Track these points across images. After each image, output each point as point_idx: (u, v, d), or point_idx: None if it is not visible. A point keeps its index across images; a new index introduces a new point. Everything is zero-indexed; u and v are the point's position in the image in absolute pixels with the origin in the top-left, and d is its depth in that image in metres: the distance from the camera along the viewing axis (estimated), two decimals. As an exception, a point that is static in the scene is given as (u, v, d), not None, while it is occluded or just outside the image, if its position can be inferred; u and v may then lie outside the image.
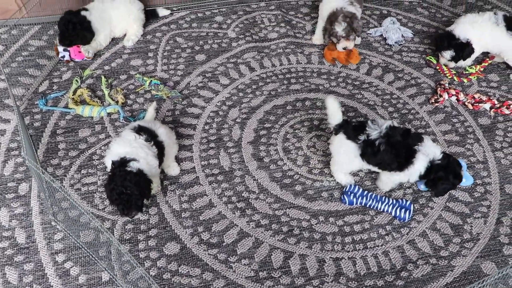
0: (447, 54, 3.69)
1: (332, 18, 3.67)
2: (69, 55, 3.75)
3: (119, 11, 3.86)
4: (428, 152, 2.78)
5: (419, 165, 2.78)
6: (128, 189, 2.62)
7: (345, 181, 3.06)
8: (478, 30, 3.61)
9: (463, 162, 3.13)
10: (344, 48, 3.73)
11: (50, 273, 2.68)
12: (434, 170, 2.78)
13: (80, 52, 3.75)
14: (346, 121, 2.92)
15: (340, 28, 3.64)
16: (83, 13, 3.70)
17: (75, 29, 3.65)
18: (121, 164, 2.68)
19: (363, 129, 2.82)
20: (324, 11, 3.80)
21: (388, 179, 2.96)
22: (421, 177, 2.83)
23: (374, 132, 2.79)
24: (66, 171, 3.12)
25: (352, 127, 2.86)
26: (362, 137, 2.80)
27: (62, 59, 3.76)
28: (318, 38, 4.01)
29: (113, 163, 2.71)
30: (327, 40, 3.80)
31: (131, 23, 3.92)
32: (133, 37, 3.94)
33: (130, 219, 2.87)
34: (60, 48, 3.74)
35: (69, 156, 3.19)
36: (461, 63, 3.74)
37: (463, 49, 3.64)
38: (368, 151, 2.81)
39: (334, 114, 2.90)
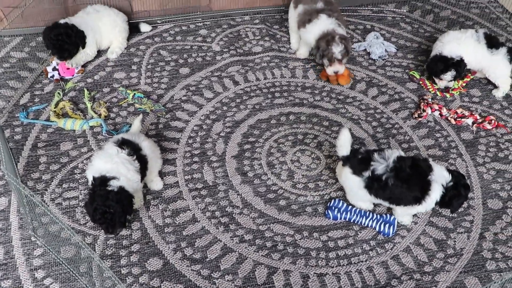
0: (448, 76, 3.68)
1: (328, 38, 3.59)
2: (58, 73, 3.69)
3: (105, 22, 3.83)
4: (440, 178, 2.77)
5: (436, 194, 2.76)
6: (111, 208, 2.59)
7: (365, 206, 3.00)
8: (463, 47, 3.65)
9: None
10: (335, 72, 3.69)
11: (29, 290, 2.62)
12: (448, 192, 2.77)
13: (68, 69, 3.68)
14: (353, 153, 2.86)
15: (337, 49, 3.58)
16: (62, 21, 3.61)
17: (69, 36, 3.55)
18: (102, 182, 2.65)
19: (368, 163, 2.77)
20: (311, 33, 3.71)
21: (405, 213, 2.92)
22: (437, 203, 2.81)
23: (380, 166, 2.75)
24: (47, 185, 3.07)
25: (358, 160, 2.82)
26: (367, 173, 2.77)
27: (51, 79, 3.70)
28: (302, 53, 4.01)
29: (94, 179, 2.68)
30: (318, 60, 3.71)
31: (116, 35, 3.90)
32: (117, 49, 3.91)
33: (115, 236, 2.83)
34: (49, 68, 3.69)
35: (50, 170, 3.15)
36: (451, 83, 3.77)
37: (460, 66, 3.66)
38: (375, 186, 2.77)
39: (344, 145, 2.87)
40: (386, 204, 2.89)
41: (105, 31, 3.84)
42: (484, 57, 3.66)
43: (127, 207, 2.68)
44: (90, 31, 3.73)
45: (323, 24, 3.65)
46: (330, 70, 3.69)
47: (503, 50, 3.65)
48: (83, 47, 3.69)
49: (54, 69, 3.67)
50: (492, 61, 3.67)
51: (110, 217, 2.60)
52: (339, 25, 3.67)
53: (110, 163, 2.71)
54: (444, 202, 2.79)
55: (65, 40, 3.54)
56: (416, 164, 2.78)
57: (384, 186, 2.75)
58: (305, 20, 3.74)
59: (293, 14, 3.92)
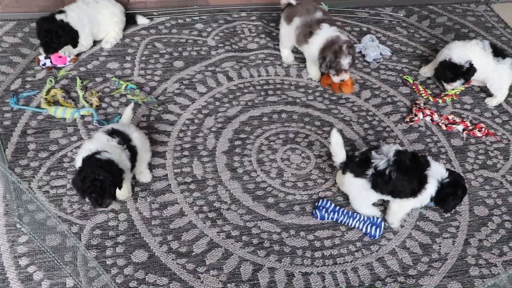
0: (458, 83, 3.71)
1: (335, 49, 3.48)
2: (50, 61, 3.66)
3: (104, 14, 3.81)
4: (437, 174, 2.79)
5: (431, 189, 2.79)
6: (100, 175, 2.54)
7: (371, 213, 3.00)
8: (471, 56, 3.65)
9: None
10: (342, 80, 3.63)
11: (12, 277, 2.60)
12: (444, 189, 2.79)
13: (60, 57, 3.66)
14: (350, 158, 2.88)
15: (346, 61, 3.51)
16: (58, 16, 3.58)
17: (58, 36, 3.55)
18: (92, 155, 2.62)
19: (368, 162, 2.79)
20: (314, 45, 3.58)
21: (399, 207, 2.92)
22: (431, 199, 2.83)
23: (381, 161, 2.77)
24: (34, 173, 3.05)
25: (358, 163, 2.83)
26: (370, 171, 2.78)
27: (43, 67, 3.67)
28: (314, 73, 3.85)
29: (83, 158, 2.65)
30: (324, 70, 3.60)
31: (114, 26, 3.88)
32: (112, 39, 3.89)
33: (106, 209, 2.78)
34: (41, 57, 3.66)
35: (39, 158, 3.12)
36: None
37: (469, 73, 3.67)
38: (379, 182, 2.78)
39: (338, 151, 2.88)
40: (388, 197, 2.89)
41: (103, 23, 3.82)
42: (489, 65, 3.66)
43: (116, 178, 2.63)
44: (88, 24, 3.71)
45: (326, 33, 3.54)
46: (336, 79, 3.61)
47: (509, 61, 3.67)
48: (74, 46, 3.68)
49: (47, 57, 3.64)
50: (497, 70, 3.67)
51: (100, 184, 2.55)
52: (341, 32, 3.57)
53: (102, 145, 2.70)
54: (439, 198, 2.81)
55: (53, 38, 3.54)
56: (414, 158, 2.81)
57: (388, 180, 2.76)
58: (306, 33, 3.61)
59: (287, 30, 3.78)
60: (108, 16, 3.83)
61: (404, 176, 2.75)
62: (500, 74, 3.70)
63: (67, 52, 3.66)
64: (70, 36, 3.62)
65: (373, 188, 2.82)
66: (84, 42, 3.76)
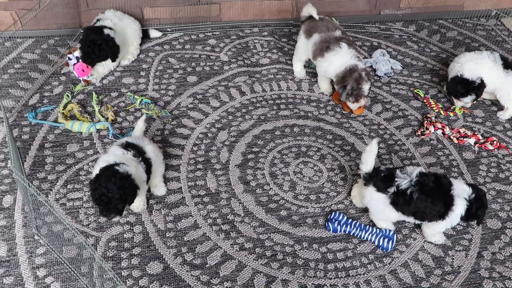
0: (469, 99, 3.73)
1: (356, 77, 3.50)
2: (73, 65, 3.74)
3: (129, 33, 3.94)
4: (462, 192, 2.81)
5: (460, 209, 2.80)
6: (110, 192, 2.60)
7: (387, 226, 3.01)
8: (481, 68, 3.69)
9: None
10: (359, 107, 3.65)
11: (29, 288, 2.65)
12: (472, 205, 2.81)
13: (83, 71, 3.73)
14: (376, 171, 2.90)
15: (366, 87, 3.55)
16: (106, 31, 3.69)
17: (101, 49, 3.66)
18: (111, 166, 2.68)
19: (392, 179, 2.82)
20: (331, 63, 3.60)
21: (433, 230, 2.94)
22: (461, 218, 2.84)
23: (404, 181, 2.79)
24: (52, 185, 3.11)
25: (382, 178, 2.86)
26: (392, 189, 2.80)
27: (69, 60, 3.76)
28: (326, 88, 3.90)
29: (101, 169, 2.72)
30: (345, 98, 3.60)
31: (134, 43, 3.98)
32: (130, 56, 3.97)
33: (108, 220, 2.86)
34: (71, 55, 3.74)
35: (56, 171, 3.19)
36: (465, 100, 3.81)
37: (480, 89, 3.70)
38: (400, 201, 2.80)
39: (368, 160, 2.88)
40: (411, 220, 2.91)
41: (128, 43, 3.94)
42: (499, 78, 3.69)
43: (128, 195, 2.68)
44: (122, 39, 3.82)
45: (345, 57, 3.55)
46: (355, 106, 3.64)
47: None
48: (113, 61, 3.79)
49: (77, 58, 3.72)
50: (507, 82, 3.70)
51: (107, 200, 2.62)
52: (358, 57, 3.59)
53: (118, 158, 2.76)
54: (470, 215, 2.83)
55: (95, 50, 3.65)
56: (437, 179, 2.83)
57: (409, 201, 2.78)
58: (323, 48, 3.62)
59: (305, 44, 3.79)
60: (132, 36, 3.95)
61: (427, 198, 2.77)
62: (510, 86, 3.72)
63: (95, 76, 3.76)
64: (112, 50, 3.72)
65: (392, 205, 2.84)
66: (112, 65, 3.86)
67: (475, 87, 3.68)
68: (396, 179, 2.82)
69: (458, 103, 3.80)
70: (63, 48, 3.94)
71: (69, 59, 3.74)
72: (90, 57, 3.67)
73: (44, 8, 3.85)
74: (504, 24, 4.79)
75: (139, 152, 2.87)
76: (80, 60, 3.71)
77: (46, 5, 3.85)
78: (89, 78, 3.74)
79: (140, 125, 3.13)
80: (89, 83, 3.75)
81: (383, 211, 2.91)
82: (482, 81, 3.67)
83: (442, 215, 2.81)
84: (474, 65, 3.68)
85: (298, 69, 4.02)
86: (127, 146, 2.87)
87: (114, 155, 2.79)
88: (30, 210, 2.73)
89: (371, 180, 2.89)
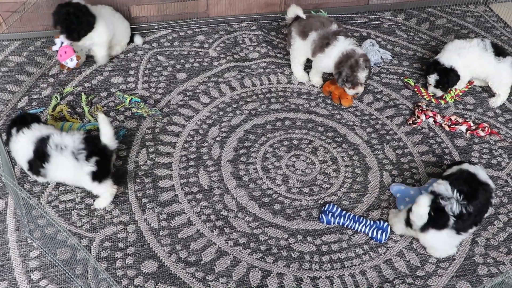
0: (432, 78, 3.75)
1: (352, 63, 3.48)
2: (58, 47, 3.74)
3: (121, 27, 3.93)
4: (483, 174, 2.90)
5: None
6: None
7: (453, 252, 2.93)
8: (466, 57, 3.69)
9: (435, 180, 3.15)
10: (356, 94, 3.63)
11: (24, 291, 2.64)
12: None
13: (66, 52, 3.69)
14: (429, 216, 2.72)
15: (363, 75, 3.52)
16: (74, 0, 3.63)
17: (77, 16, 3.56)
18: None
19: (443, 212, 2.70)
20: (330, 57, 3.58)
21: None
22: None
23: (453, 205, 2.69)
24: (43, 188, 3.09)
25: (437, 218, 2.72)
26: (451, 219, 2.69)
27: (55, 50, 3.80)
28: (318, 81, 3.88)
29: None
30: (341, 84, 3.59)
31: (123, 39, 4.00)
32: (118, 48, 3.99)
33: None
34: (55, 47, 3.76)
35: (47, 173, 3.17)
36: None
37: (447, 75, 3.71)
38: (462, 224, 2.71)
39: (424, 215, 2.71)
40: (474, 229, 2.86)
41: (117, 35, 3.91)
42: (491, 65, 3.69)
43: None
44: (102, 20, 3.73)
45: (342, 45, 3.54)
46: (351, 92, 3.61)
47: (509, 59, 3.69)
48: (90, 30, 3.67)
49: (62, 43, 3.73)
50: (498, 68, 3.70)
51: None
52: (356, 45, 3.59)
53: None
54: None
55: (73, 20, 3.55)
56: (466, 179, 2.81)
57: (468, 217, 2.70)
58: (323, 44, 3.59)
59: (302, 46, 3.74)
60: (122, 31, 3.95)
61: (476, 201, 2.72)
62: (501, 73, 3.72)
63: (96, 47, 3.77)
64: (87, 18, 3.61)
65: (457, 231, 2.73)
66: (97, 38, 3.74)
67: (441, 69, 3.70)
68: (445, 208, 2.68)
69: (430, 88, 3.82)
70: (50, 50, 3.91)
71: (62, 43, 3.74)
72: (72, 30, 3.59)
73: (29, 10, 3.82)
74: (493, 10, 4.79)
75: None
76: (63, 44, 3.71)
77: (31, 7, 3.82)
78: (68, 64, 3.73)
79: (105, 128, 2.91)
80: (66, 69, 3.78)
81: (450, 243, 2.83)
82: (452, 68, 3.69)
83: (489, 201, 2.81)
84: (455, 55, 3.71)
85: (300, 74, 3.94)
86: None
87: None
88: (22, 214, 2.72)
89: (429, 226, 2.74)
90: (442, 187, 2.76)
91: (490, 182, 2.83)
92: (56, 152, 2.83)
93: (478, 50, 3.70)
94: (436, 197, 2.72)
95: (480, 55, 3.70)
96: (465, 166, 2.91)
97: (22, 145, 2.89)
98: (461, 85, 3.84)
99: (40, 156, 2.85)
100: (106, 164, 2.91)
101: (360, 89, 3.60)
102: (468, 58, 3.70)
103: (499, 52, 3.72)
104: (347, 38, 3.59)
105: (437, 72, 3.72)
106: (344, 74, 3.52)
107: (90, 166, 2.82)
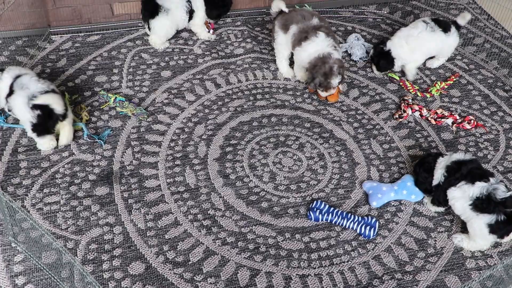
0: (371, 51, 3.94)
1: (325, 70, 3.46)
2: None
3: None
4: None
5: None
6: None
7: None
8: (417, 42, 3.77)
9: (410, 177, 3.19)
10: (329, 94, 3.63)
11: (9, 297, 2.60)
12: None
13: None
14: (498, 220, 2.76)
15: (336, 81, 3.51)
16: None
17: None
18: None
19: (492, 200, 2.75)
20: (306, 51, 3.54)
21: None
22: None
23: (500, 190, 2.76)
24: (27, 190, 3.05)
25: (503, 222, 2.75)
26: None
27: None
28: (302, 75, 3.81)
29: None
30: (312, 88, 3.62)
31: None
32: None
33: None
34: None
35: (31, 175, 3.12)
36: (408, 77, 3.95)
37: (382, 56, 3.83)
38: None
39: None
40: None
41: None
42: (443, 42, 3.84)
43: None
44: None
45: (320, 45, 3.50)
46: (324, 95, 3.62)
47: (453, 30, 3.84)
48: None
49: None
50: (447, 41, 3.86)
51: None
52: (335, 47, 3.54)
53: None
54: None
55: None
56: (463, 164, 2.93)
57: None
58: (302, 38, 3.55)
59: (283, 39, 3.72)
60: None
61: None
62: (451, 44, 3.91)
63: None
64: None
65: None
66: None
67: (379, 51, 3.84)
68: (497, 196, 2.75)
69: (374, 68, 3.97)
70: (32, 49, 3.85)
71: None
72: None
73: (8, 8, 3.75)
74: (476, 2, 4.80)
75: None
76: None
77: (11, 5, 3.75)
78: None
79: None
80: None
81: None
82: (387, 51, 3.80)
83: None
84: (404, 42, 3.78)
85: (285, 69, 3.91)
86: None
87: None
88: (5, 217, 2.67)
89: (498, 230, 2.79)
90: (475, 187, 2.82)
91: None
92: (18, 90, 3.15)
93: (427, 33, 3.77)
94: (489, 190, 2.79)
95: (431, 37, 3.79)
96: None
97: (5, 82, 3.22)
98: (413, 70, 3.92)
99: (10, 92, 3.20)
100: (48, 122, 3.14)
101: (332, 91, 3.61)
102: (419, 43, 3.78)
103: (446, 27, 3.82)
104: (328, 36, 3.54)
105: (375, 53, 3.87)
106: (317, 80, 3.51)
107: (31, 116, 3.10)
